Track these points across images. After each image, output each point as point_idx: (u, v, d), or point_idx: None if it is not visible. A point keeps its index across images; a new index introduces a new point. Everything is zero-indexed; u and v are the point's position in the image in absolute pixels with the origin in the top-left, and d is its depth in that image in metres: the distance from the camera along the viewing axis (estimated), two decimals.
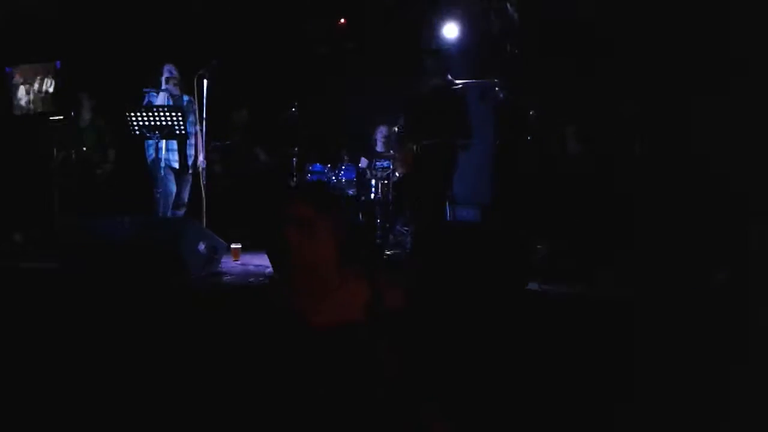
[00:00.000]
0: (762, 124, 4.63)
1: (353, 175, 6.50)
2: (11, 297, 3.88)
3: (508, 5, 5.91)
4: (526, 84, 5.91)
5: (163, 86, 5.56)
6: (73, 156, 5.98)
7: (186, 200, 5.76)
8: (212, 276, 4.23)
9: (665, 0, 5.26)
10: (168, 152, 5.51)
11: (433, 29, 6.70)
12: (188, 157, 5.67)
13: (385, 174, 6.28)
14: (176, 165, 5.59)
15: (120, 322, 3.44)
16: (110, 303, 3.63)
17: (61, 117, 6.02)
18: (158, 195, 5.31)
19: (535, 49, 6.04)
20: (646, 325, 3.24)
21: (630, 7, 5.34)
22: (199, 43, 6.61)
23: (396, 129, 6.37)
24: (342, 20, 7.49)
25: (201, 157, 5.61)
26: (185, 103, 5.62)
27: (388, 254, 5.49)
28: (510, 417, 2.86)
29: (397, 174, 6.14)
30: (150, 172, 5.55)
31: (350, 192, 6.34)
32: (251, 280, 4.15)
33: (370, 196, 6.27)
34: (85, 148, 6.18)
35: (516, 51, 6.22)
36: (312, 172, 6.45)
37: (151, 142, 5.36)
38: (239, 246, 5.06)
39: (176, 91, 5.62)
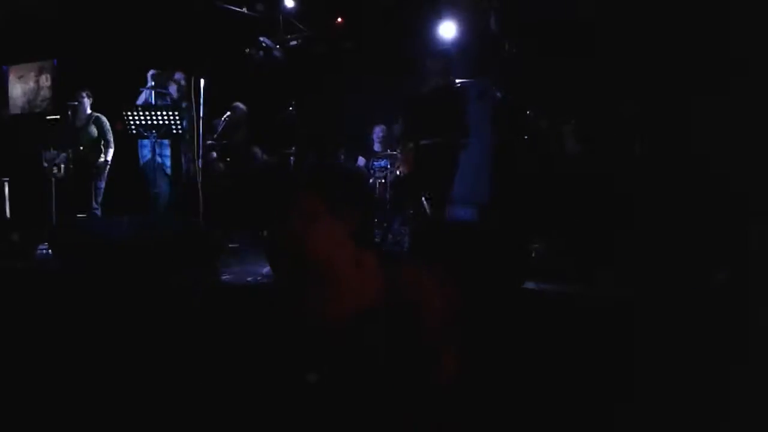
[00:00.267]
0: (762, 124, 4.64)
1: None
2: (9, 297, 3.87)
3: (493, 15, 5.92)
4: (524, 83, 5.91)
5: (149, 84, 5.54)
6: (70, 155, 5.96)
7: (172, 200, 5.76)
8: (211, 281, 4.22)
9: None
10: (162, 152, 5.50)
11: (434, 29, 6.70)
12: (183, 160, 5.68)
13: (382, 173, 6.28)
14: (169, 166, 5.59)
15: (119, 322, 3.43)
16: (109, 303, 3.61)
17: (58, 116, 6.01)
18: (153, 195, 5.30)
19: (534, 48, 6.05)
20: (645, 325, 3.24)
21: (629, 6, 5.35)
22: (197, 42, 6.59)
23: (397, 128, 6.39)
24: (339, 19, 7.47)
25: (199, 162, 5.57)
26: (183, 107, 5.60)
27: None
28: (509, 415, 2.86)
29: (398, 173, 6.14)
30: (144, 172, 5.53)
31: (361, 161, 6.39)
32: (249, 279, 4.14)
33: None
34: (81, 147, 6.15)
35: (514, 50, 6.23)
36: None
37: (146, 142, 5.34)
38: (237, 246, 5.06)
39: (175, 95, 5.60)
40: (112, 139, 6.45)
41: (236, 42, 6.93)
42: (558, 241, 4.87)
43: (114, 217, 4.89)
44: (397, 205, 6.17)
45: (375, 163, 6.42)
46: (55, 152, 5.89)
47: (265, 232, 5.26)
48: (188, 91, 5.47)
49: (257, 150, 6.90)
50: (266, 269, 4.46)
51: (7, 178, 6.11)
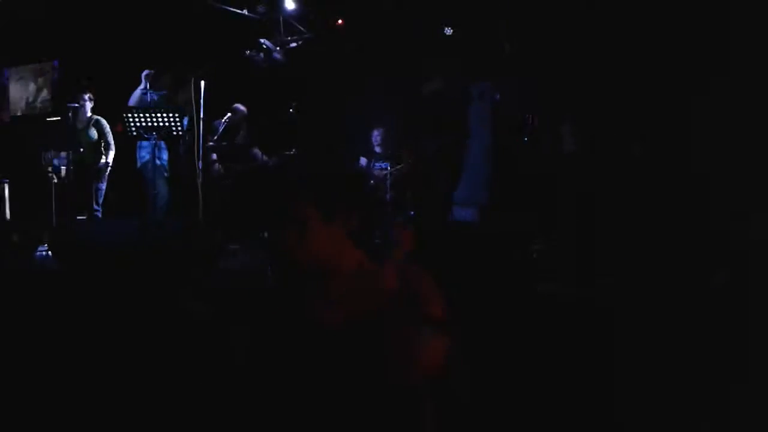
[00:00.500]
0: (761, 125, 4.64)
1: None
2: (8, 299, 3.87)
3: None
4: (523, 84, 5.92)
5: (142, 84, 5.54)
6: (70, 156, 5.96)
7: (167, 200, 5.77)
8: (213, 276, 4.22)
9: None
10: (161, 154, 5.51)
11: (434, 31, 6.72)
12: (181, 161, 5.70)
13: (383, 174, 6.32)
14: (166, 167, 5.60)
15: (118, 324, 3.43)
16: (108, 305, 3.61)
17: (58, 118, 6.01)
18: (152, 196, 5.30)
19: (532, 48, 6.06)
20: (644, 325, 3.24)
21: (627, 5, 5.36)
22: (197, 43, 6.60)
23: (394, 131, 6.42)
24: (340, 21, 7.47)
25: (199, 164, 5.58)
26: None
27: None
28: (511, 417, 2.86)
29: (402, 172, 6.15)
30: (143, 173, 5.53)
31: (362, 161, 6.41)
32: (247, 279, 4.14)
33: None
34: (82, 149, 6.15)
35: (513, 51, 6.24)
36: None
37: (145, 143, 5.35)
38: (238, 248, 5.06)
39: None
40: (112, 141, 6.45)
41: (236, 44, 6.94)
42: (558, 242, 4.87)
43: (114, 219, 4.90)
44: (398, 206, 6.19)
45: (376, 164, 6.47)
46: (56, 154, 5.89)
47: (266, 234, 5.26)
48: (184, 85, 5.48)
49: (257, 151, 6.91)
50: (267, 270, 4.46)
51: (7, 180, 6.11)
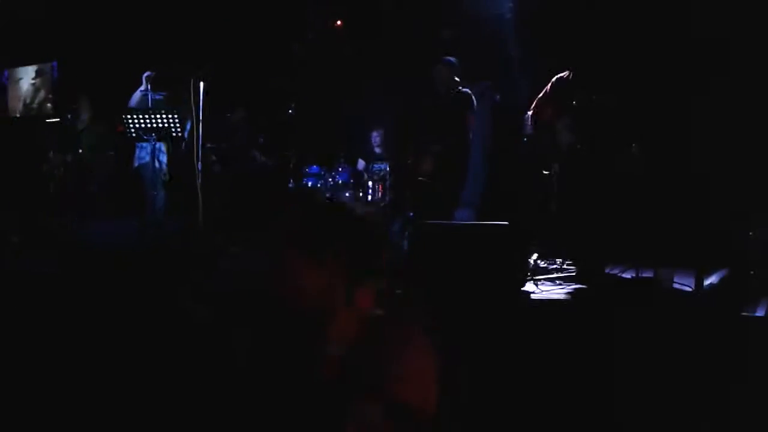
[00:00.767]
0: (761, 125, 4.65)
1: (348, 177, 6.58)
2: (7, 301, 3.87)
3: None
4: (521, 83, 5.92)
5: (143, 86, 5.53)
6: (69, 158, 5.95)
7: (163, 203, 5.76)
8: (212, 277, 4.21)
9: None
10: (161, 155, 5.51)
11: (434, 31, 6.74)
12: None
13: (381, 176, 6.34)
14: (165, 168, 5.59)
15: (117, 325, 3.43)
16: (107, 307, 3.61)
17: (58, 119, 6.00)
18: (151, 197, 5.29)
19: (530, 49, 6.07)
20: (644, 325, 3.24)
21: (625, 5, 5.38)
22: (197, 44, 6.60)
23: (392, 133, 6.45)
24: (338, 22, 7.48)
25: (198, 165, 5.56)
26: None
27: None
28: (506, 418, 2.86)
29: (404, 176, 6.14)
30: (142, 175, 5.52)
31: (346, 194, 6.37)
32: (247, 280, 4.12)
33: (367, 197, 6.32)
34: (80, 151, 6.15)
35: (512, 52, 6.25)
36: (308, 174, 6.49)
37: (145, 144, 5.34)
38: (237, 249, 5.04)
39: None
40: (112, 143, 6.45)
41: (236, 44, 6.95)
42: (555, 242, 4.87)
43: (113, 221, 4.89)
44: (396, 208, 6.19)
45: (375, 166, 6.49)
46: (55, 155, 5.90)
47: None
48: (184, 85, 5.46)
49: (256, 153, 6.91)
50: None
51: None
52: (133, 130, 5.04)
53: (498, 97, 6.28)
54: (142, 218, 5.32)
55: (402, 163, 6.27)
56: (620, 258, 4.45)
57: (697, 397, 2.80)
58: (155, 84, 5.56)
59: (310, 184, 6.50)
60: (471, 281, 3.68)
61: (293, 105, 6.76)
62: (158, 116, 5.01)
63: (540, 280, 4.26)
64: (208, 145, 6.20)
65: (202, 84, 5.39)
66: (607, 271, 4.35)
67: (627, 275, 4.28)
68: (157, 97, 5.57)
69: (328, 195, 6.12)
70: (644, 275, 4.04)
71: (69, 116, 6.15)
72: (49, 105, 5.93)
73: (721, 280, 4.10)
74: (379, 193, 6.31)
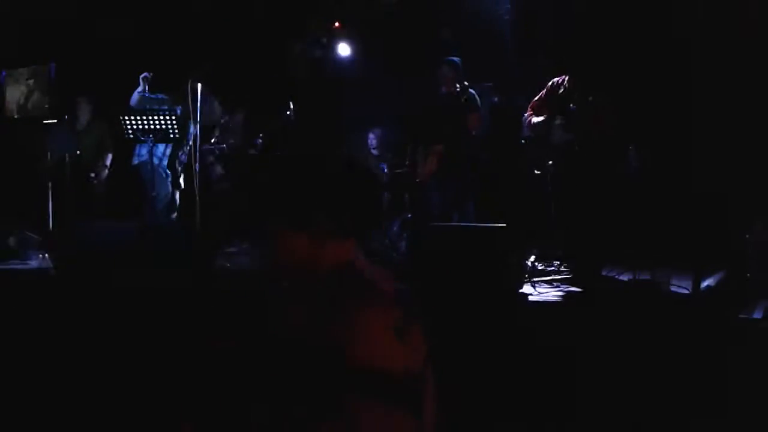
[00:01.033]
0: (759, 126, 4.65)
1: None
2: (6, 303, 3.87)
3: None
4: (521, 85, 5.93)
5: (140, 88, 5.53)
6: (67, 159, 5.94)
7: (177, 203, 5.75)
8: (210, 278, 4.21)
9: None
10: (162, 155, 5.50)
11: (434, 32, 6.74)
12: (177, 162, 5.69)
13: (381, 176, 6.33)
14: (166, 168, 5.59)
15: (116, 326, 3.43)
16: (107, 308, 3.61)
17: (56, 120, 5.99)
18: (150, 198, 5.28)
19: (528, 49, 6.08)
20: (640, 327, 3.24)
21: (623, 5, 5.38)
22: (194, 44, 6.59)
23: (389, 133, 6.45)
24: (337, 23, 7.47)
25: (196, 166, 5.55)
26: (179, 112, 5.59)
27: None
28: (503, 419, 2.87)
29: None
30: (143, 175, 5.52)
31: None
32: (246, 282, 4.13)
33: None
34: (79, 152, 6.14)
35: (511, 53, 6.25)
36: None
37: (145, 144, 5.33)
38: (235, 250, 5.05)
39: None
40: (111, 144, 6.45)
41: (235, 44, 6.94)
42: (554, 242, 4.87)
43: (112, 222, 4.88)
44: (394, 208, 6.19)
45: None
46: (54, 157, 5.89)
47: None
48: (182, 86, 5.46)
49: (255, 153, 6.89)
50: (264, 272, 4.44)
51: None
52: (130, 131, 5.04)
53: (497, 98, 6.28)
54: (142, 219, 5.32)
55: (401, 164, 6.27)
56: (617, 260, 4.45)
57: (695, 399, 2.80)
58: (153, 85, 5.56)
59: None
60: (469, 283, 3.68)
61: (291, 105, 6.76)
62: (155, 117, 5.00)
63: (537, 282, 4.26)
64: (206, 147, 6.19)
65: (199, 85, 5.39)
66: (603, 273, 4.35)
67: (624, 277, 4.28)
68: (155, 97, 5.57)
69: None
70: (641, 277, 4.03)
71: (67, 117, 6.14)
72: (47, 106, 5.90)
73: (719, 282, 4.10)
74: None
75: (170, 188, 5.61)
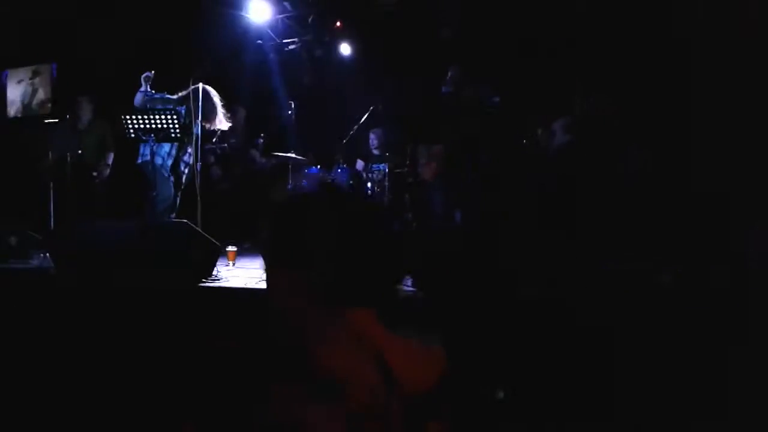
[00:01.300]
0: (759, 125, 4.65)
1: (347, 178, 6.59)
2: (6, 303, 3.87)
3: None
4: (521, 86, 5.93)
5: (142, 87, 5.52)
6: (68, 159, 5.95)
7: (177, 204, 5.75)
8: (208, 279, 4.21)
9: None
10: (166, 155, 5.51)
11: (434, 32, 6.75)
12: (181, 163, 5.69)
13: (380, 176, 6.35)
14: (169, 168, 5.59)
15: (116, 327, 3.43)
16: (106, 308, 3.61)
17: (57, 120, 5.99)
18: (151, 197, 5.28)
19: (527, 50, 6.08)
20: (640, 324, 3.24)
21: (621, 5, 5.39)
22: (195, 45, 6.60)
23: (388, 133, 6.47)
24: (338, 23, 7.48)
25: (198, 165, 5.55)
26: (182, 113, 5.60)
27: None
28: (504, 419, 2.87)
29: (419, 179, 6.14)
30: (146, 174, 5.52)
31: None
32: (246, 283, 4.13)
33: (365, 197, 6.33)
34: (80, 151, 6.15)
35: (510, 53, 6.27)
36: (308, 176, 6.51)
37: (147, 144, 5.33)
38: (235, 249, 5.05)
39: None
40: (112, 144, 6.46)
41: (235, 44, 6.95)
42: (553, 243, 4.87)
43: (113, 222, 4.88)
44: (395, 210, 6.20)
45: (374, 166, 6.50)
46: (55, 156, 5.90)
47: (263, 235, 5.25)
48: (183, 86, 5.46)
49: (255, 153, 6.92)
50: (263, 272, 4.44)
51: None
52: (131, 130, 5.04)
53: (497, 99, 6.28)
54: (142, 219, 5.32)
55: (401, 164, 6.29)
56: (616, 256, 4.45)
57: (694, 396, 2.80)
58: (154, 84, 5.56)
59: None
60: (469, 282, 3.68)
61: (292, 105, 6.77)
62: (156, 117, 5.00)
63: (536, 280, 4.25)
64: (207, 146, 6.20)
65: (200, 85, 5.40)
66: (603, 269, 4.35)
67: (624, 277, 4.28)
68: (161, 96, 5.58)
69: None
70: (641, 277, 4.03)
71: (68, 117, 6.15)
72: (48, 105, 5.91)
73: (718, 279, 4.10)
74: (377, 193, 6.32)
75: (172, 189, 5.61)
